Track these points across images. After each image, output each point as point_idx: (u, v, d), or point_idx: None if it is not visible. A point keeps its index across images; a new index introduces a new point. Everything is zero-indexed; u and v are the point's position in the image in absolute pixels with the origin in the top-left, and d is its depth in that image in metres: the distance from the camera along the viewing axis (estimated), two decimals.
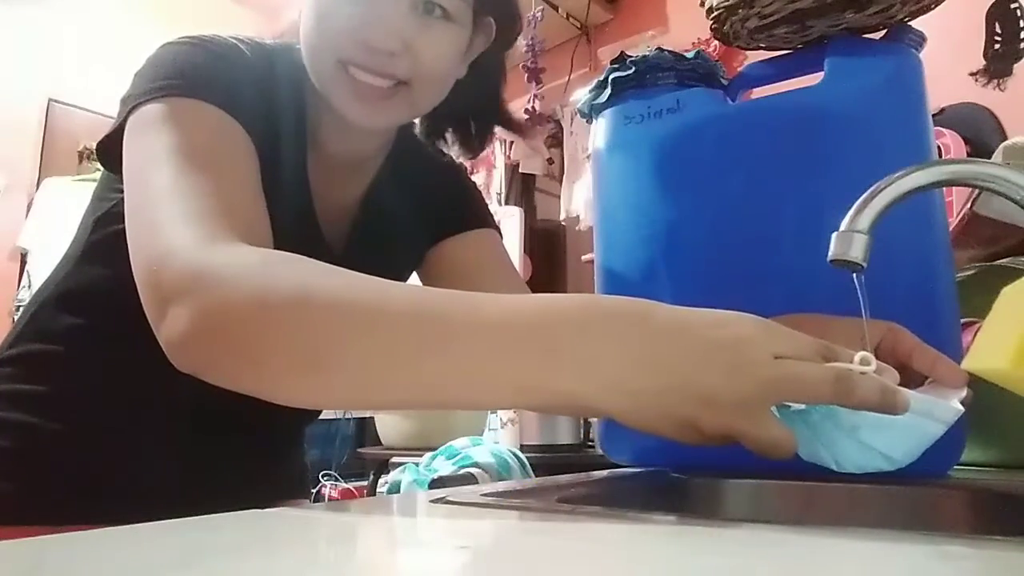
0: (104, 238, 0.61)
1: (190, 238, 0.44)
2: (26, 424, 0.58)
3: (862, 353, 0.40)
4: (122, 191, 0.53)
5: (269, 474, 0.70)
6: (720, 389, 0.37)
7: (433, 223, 0.72)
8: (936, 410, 0.42)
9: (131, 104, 0.53)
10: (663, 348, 0.38)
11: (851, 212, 0.50)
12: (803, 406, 0.41)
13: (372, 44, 0.55)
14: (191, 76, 0.53)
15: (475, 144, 0.73)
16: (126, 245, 0.49)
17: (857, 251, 0.49)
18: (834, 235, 0.50)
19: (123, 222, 0.51)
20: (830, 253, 0.49)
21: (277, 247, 0.46)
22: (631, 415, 0.38)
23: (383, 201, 0.69)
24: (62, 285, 0.63)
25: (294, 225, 0.59)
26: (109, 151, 0.56)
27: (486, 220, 0.76)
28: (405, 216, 0.70)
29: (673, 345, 0.38)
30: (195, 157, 0.49)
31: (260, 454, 0.68)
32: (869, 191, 0.50)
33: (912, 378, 0.50)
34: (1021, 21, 1.36)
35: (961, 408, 0.43)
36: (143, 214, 0.48)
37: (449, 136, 0.73)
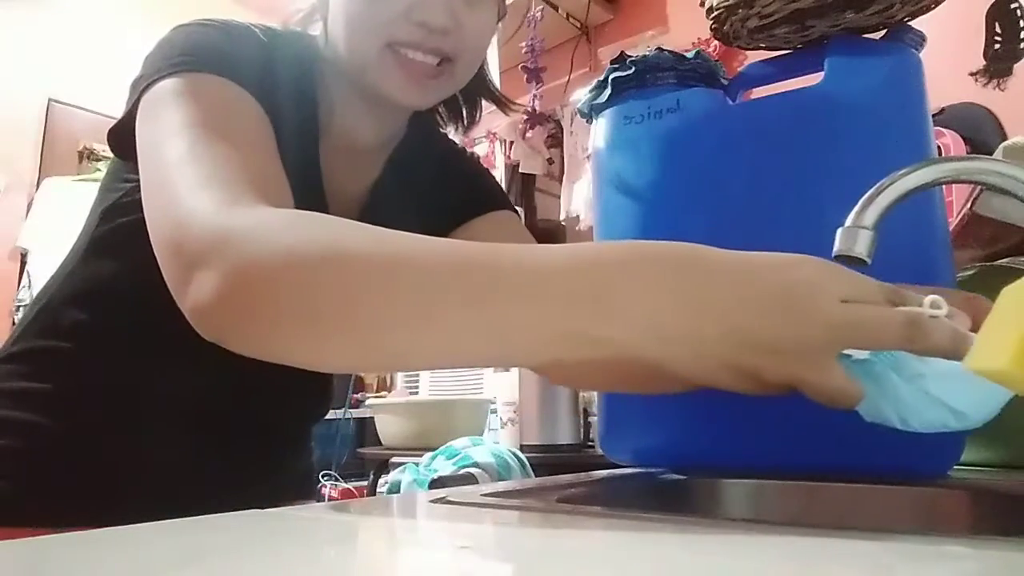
0: (111, 231, 0.60)
1: (211, 202, 0.42)
2: (29, 423, 0.58)
3: (932, 296, 0.38)
4: (131, 180, 0.52)
5: (274, 475, 0.69)
6: (784, 336, 0.35)
7: (451, 208, 0.72)
8: None
9: (143, 84, 0.52)
10: (720, 293, 0.36)
11: (856, 208, 0.50)
12: (866, 355, 0.39)
13: (429, 24, 0.55)
14: (204, 52, 0.53)
15: (464, 117, 0.74)
16: (134, 238, 0.48)
17: (862, 247, 0.49)
18: (839, 230, 0.50)
19: (131, 214, 0.50)
20: (835, 248, 0.50)
21: None
22: (684, 365, 0.36)
23: (394, 188, 0.68)
24: (68, 281, 0.62)
25: (305, 210, 0.59)
26: (121, 137, 0.55)
27: (505, 202, 0.75)
28: (417, 202, 0.69)
29: (731, 290, 0.36)
30: (211, 127, 0.48)
31: (265, 455, 0.68)
32: (875, 187, 0.50)
33: None
34: (1021, 21, 1.36)
35: None
36: (160, 185, 0.46)
37: (442, 111, 0.74)
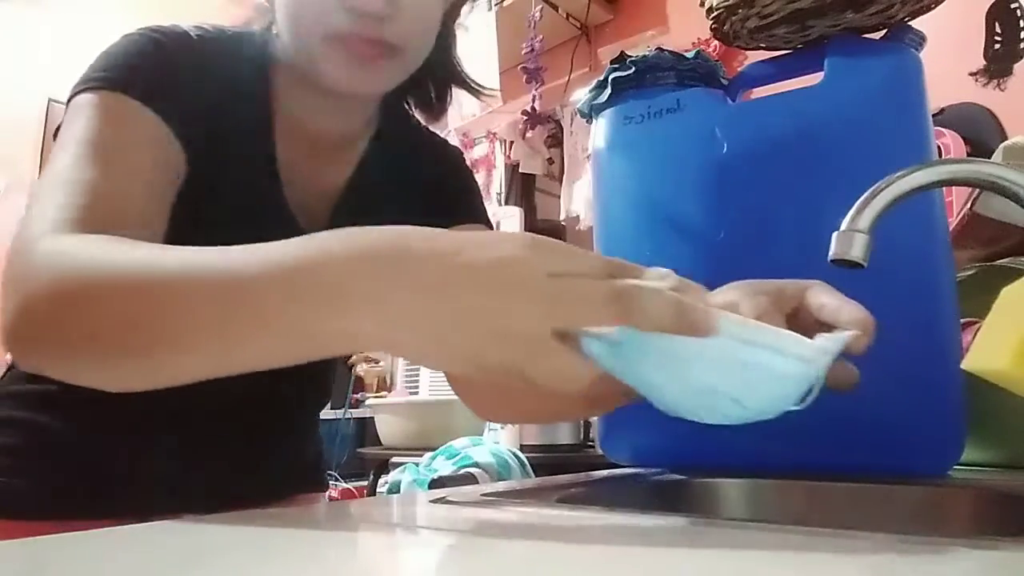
0: None
1: (41, 233, 0.44)
2: (34, 422, 0.58)
3: (658, 269, 0.35)
4: None
5: (282, 467, 0.70)
6: (491, 315, 0.33)
7: (421, 213, 0.71)
8: (784, 342, 0.34)
9: (70, 94, 0.54)
10: (427, 278, 0.34)
11: (851, 212, 0.50)
12: (616, 337, 0.34)
13: (362, 8, 0.54)
14: (122, 70, 0.54)
15: (434, 106, 0.73)
16: None
17: (858, 251, 0.49)
18: (835, 235, 0.50)
19: None
20: (831, 253, 0.49)
21: (244, 238, 0.41)
22: (413, 352, 0.36)
23: (368, 185, 0.67)
24: None
25: (261, 214, 0.59)
26: None
27: (476, 215, 0.73)
28: (392, 201, 0.68)
29: (437, 273, 0.34)
30: (93, 149, 0.49)
31: (268, 448, 0.68)
32: (870, 191, 0.50)
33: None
34: (1021, 21, 1.36)
35: (825, 345, 0.36)
36: (31, 201, 0.48)
37: (411, 100, 0.73)
